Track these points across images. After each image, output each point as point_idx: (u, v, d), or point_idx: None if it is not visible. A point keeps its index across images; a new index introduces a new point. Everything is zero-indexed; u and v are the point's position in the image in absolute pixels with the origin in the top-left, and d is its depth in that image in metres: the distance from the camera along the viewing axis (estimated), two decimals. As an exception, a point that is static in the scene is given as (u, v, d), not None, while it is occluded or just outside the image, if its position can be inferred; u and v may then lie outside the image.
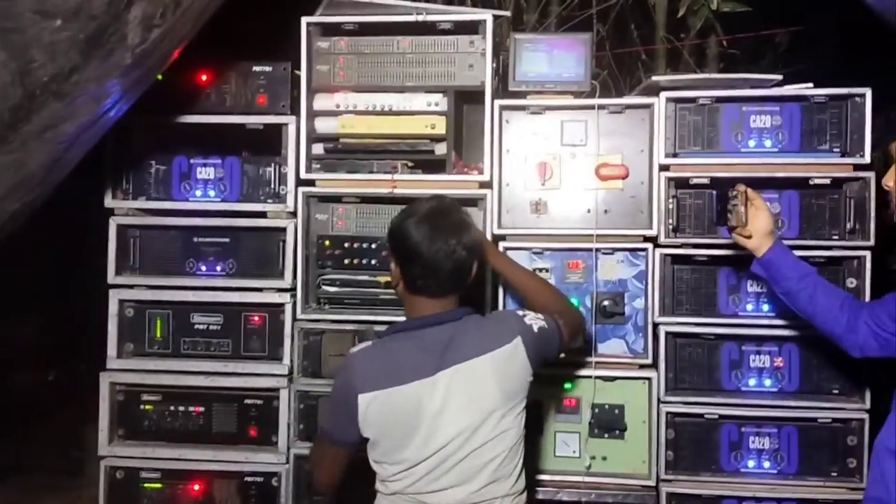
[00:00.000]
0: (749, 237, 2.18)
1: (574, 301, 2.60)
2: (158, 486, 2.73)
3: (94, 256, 3.38)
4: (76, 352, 4.56)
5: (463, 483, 1.90)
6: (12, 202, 2.24)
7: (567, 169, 2.67)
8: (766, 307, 2.62)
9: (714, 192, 1.99)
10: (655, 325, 2.62)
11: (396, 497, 1.93)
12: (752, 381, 2.64)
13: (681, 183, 2.62)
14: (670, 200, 2.60)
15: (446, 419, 1.87)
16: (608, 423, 2.62)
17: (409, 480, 1.91)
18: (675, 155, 2.62)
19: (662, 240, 2.61)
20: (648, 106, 2.63)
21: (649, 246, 2.61)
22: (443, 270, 1.92)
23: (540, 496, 2.61)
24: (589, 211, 2.65)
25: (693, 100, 2.62)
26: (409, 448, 1.89)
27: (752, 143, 2.61)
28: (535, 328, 1.98)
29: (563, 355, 2.23)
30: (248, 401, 2.74)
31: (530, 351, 1.94)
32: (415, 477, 1.90)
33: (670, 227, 2.60)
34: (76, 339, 4.43)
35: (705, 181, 2.59)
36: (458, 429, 1.87)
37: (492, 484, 1.91)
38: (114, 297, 2.77)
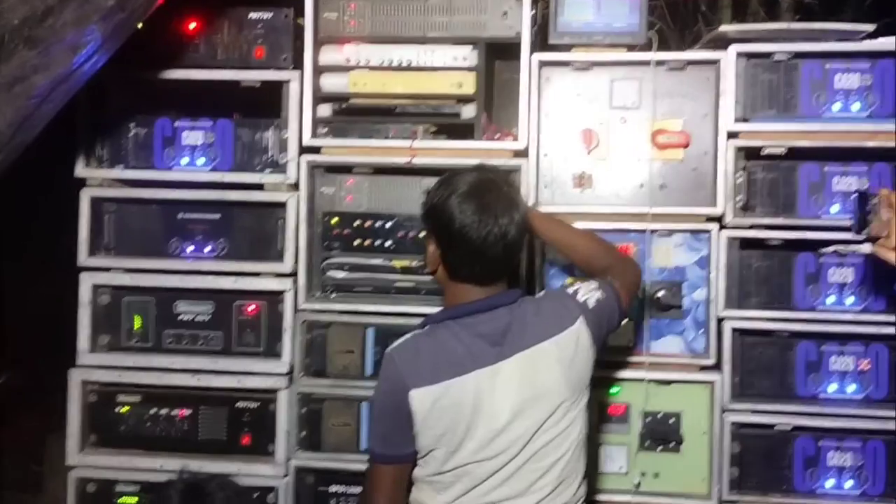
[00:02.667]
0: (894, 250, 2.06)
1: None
2: (136, 500, 2.75)
3: (60, 235, 3.41)
4: (34, 349, 4.60)
5: (525, 492, 1.93)
6: (-27, 166, 2.26)
7: (617, 136, 2.67)
8: (850, 300, 2.62)
9: (855, 193, 1.99)
10: (719, 321, 2.62)
11: None
12: (832, 388, 2.64)
13: (752, 153, 2.62)
14: (739, 174, 2.60)
15: (509, 415, 1.91)
16: (662, 434, 2.63)
17: (461, 488, 1.93)
18: (745, 120, 2.61)
19: (729, 220, 2.61)
20: (715, 62, 2.62)
21: (713, 227, 2.61)
22: (492, 255, 1.94)
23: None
24: (642, 186, 2.66)
25: (768, 55, 2.61)
26: (466, 450, 1.91)
27: (836, 106, 2.61)
28: (592, 303, 2.01)
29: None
30: (240, 404, 2.75)
31: (593, 330, 1.98)
32: (472, 483, 1.93)
33: (738, 205, 2.61)
34: (35, 334, 4.47)
35: (780, 151, 2.58)
36: (524, 425, 1.91)
37: (556, 490, 1.94)
38: (86, 282, 2.78)
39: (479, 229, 1.91)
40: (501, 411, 1.91)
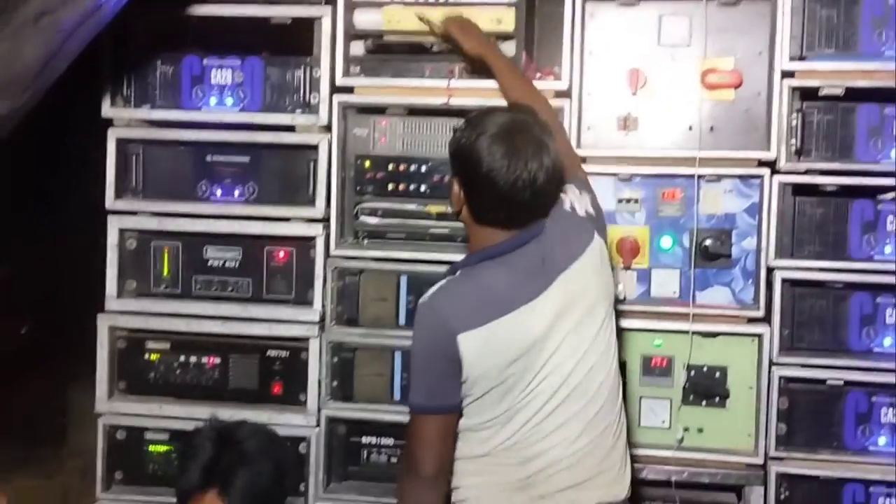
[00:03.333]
0: None
1: (669, 238, 2.64)
2: (166, 448, 2.82)
3: (80, 182, 3.44)
4: (58, 297, 4.68)
5: (573, 418, 2.00)
6: (3, 103, 2.30)
7: (664, 76, 2.68)
8: (909, 250, 2.60)
9: None
10: (770, 271, 2.62)
11: (489, 458, 2.01)
12: (887, 341, 2.63)
13: (808, 94, 2.60)
14: (794, 115, 2.58)
15: (557, 342, 1.98)
16: (706, 388, 2.64)
17: (514, 427, 1.98)
18: (801, 58, 2.59)
19: (783, 165, 2.60)
20: (770, -4, 2.58)
21: (766, 172, 2.60)
22: (519, 201, 1.97)
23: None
24: (691, 128, 2.66)
25: (828, -13, 2.57)
26: (518, 388, 1.98)
27: (899, 43, 2.56)
28: (591, 210, 2.15)
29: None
30: (271, 352, 2.80)
31: (602, 234, 2.14)
32: (525, 419, 1.98)
33: (793, 148, 2.59)
34: (58, 281, 4.55)
35: (838, 92, 2.56)
36: (571, 349, 1.99)
37: (601, 412, 2.03)
38: (113, 226, 2.83)
39: (507, 174, 1.93)
40: (549, 341, 1.97)
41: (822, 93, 2.57)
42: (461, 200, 2.04)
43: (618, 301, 2.53)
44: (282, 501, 2.10)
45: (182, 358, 2.83)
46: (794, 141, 2.58)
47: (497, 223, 2.01)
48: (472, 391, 1.99)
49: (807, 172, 2.60)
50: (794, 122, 2.58)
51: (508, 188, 1.94)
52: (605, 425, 2.05)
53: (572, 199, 2.12)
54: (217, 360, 2.82)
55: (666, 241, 2.66)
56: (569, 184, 2.15)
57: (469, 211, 2.04)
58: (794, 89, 2.58)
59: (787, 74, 2.58)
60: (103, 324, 2.83)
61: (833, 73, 2.57)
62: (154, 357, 2.85)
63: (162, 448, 2.83)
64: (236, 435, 2.05)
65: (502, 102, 2.42)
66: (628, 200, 2.66)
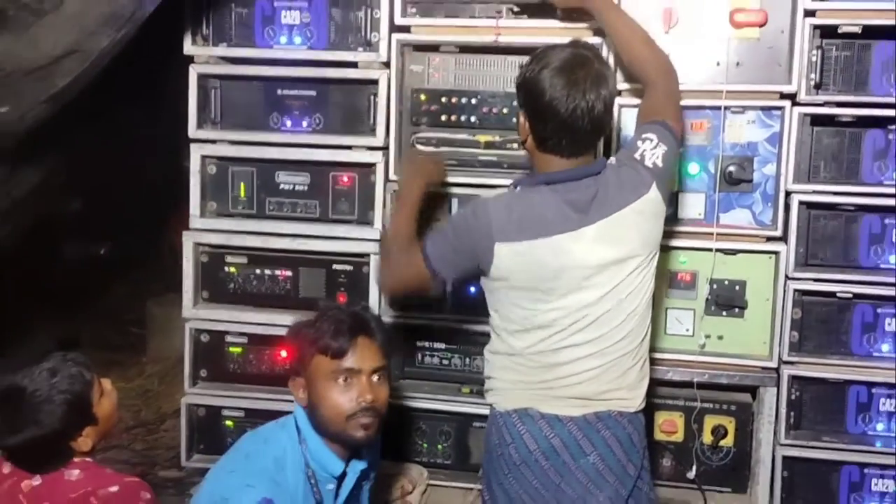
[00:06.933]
0: None
1: (696, 165, 2.68)
2: (244, 350, 2.96)
3: (157, 113, 3.53)
4: (131, 224, 4.83)
5: (598, 339, 2.07)
6: (101, 39, 2.39)
7: (695, 14, 2.65)
8: (917, 175, 2.61)
9: None
10: (787, 194, 2.64)
11: (518, 358, 2.10)
12: (893, 258, 2.66)
13: (827, 31, 2.59)
14: (814, 52, 2.58)
15: (591, 272, 2.03)
16: (727, 300, 2.69)
17: (542, 334, 2.06)
18: (822, -1, 2.57)
19: (802, 97, 2.60)
20: (796, -60, 2.56)
21: (786, 104, 2.61)
22: (579, 130, 2.01)
23: (648, 375, 2.75)
24: (718, 64, 2.65)
25: (849, -68, 2.54)
26: (548, 304, 2.04)
27: (917, -17, 2.54)
28: (660, 162, 2.11)
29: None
30: (336, 266, 2.89)
31: (663, 191, 2.11)
32: (552, 331, 2.05)
33: (812, 82, 2.59)
34: (130, 209, 4.69)
35: (856, 30, 2.55)
36: (603, 283, 2.04)
37: (624, 339, 2.08)
38: (195, 153, 2.91)
39: (567, 103, 1.98)
40: (584, 270, 2.03)
41: (841, 30, 2.55)
42: (526, 130, 2.09)
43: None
44: None
45: (257, 271, 2.94)
46: (813, 75, 2.58)
47: (559, 150, 2.06)
48: (503, 296, 2.08)
49: (824, 104, 2.61)
50: (814, 58, 2.58)
51: (568, 115, 1.99)
52: (625, 352, 2.10)
53: (646, 149, 2.12)
54: (288, 273, 2.92)
55: (693, 168, 2.69)
56: (652, 131, 2.15)
57: (534, 139, 2.09)
58: (814, 27, 2.57)
59: (808, 13, 2.57)
60: (188, 240, 2.94)
61: (851, 11, 2.55)
62: (233, 270, 2.96)
63: (240, 349, 2.96)
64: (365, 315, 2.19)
65: (548, 41, 2.40)
66: None
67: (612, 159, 2.16)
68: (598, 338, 2.07)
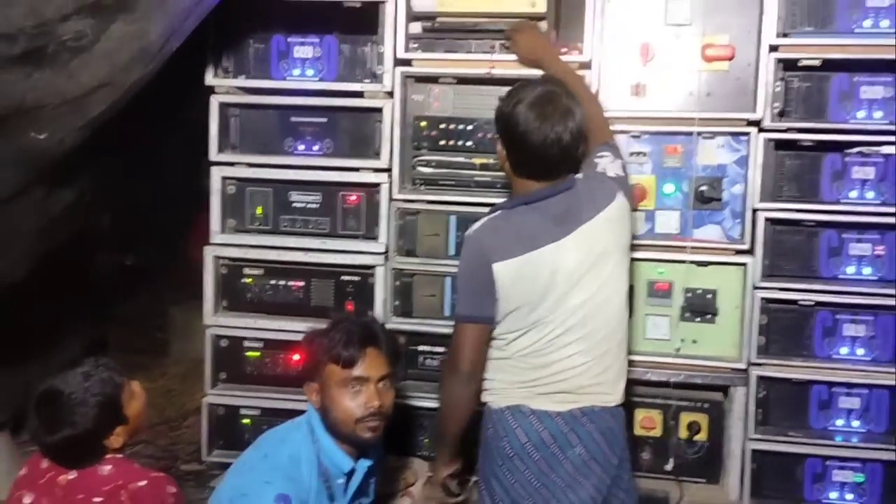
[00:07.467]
0: None
1: (672, 185, 2.83)
2: (260, 354, 3.10)
3: (179, 138, 3.68)
4: (155, 237, 5.01)
5: (585, 336, 2.21)
6: (132, 73, 2.54)
7: (670, 50, 2.81)
8: (870, 194, 2.78)
9: None
10: (754, 211, 2.79)
11: (511, 360, 2.25)
12: (850, 269, 2.81)
13: (790, 64, 2.74)
14: (778, 83, 2.73)
15: (577, 276, 2.18)
16: (700, 307, 2.83)
17: (531, 339, 2.22)
18: (785, 35, 2.73)
19: (767, 124, 2.75)
20: (760, -17, 2.72)
21: (753, 130, 2.76)
22: (550, 158, 2.19)
23: (628, 377, 2.87)
24: (691, 94, 2.80)
25: (807, -23, 2.70)
26: (543, 307, 2.19)
27: (867, 23, 2.71)
28: (620, 172, 2.29)
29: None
30: (345, 277, 3.04)
31: (627, 194, 2.29)
32: (544, 332, 2.20)
33: (776, 110, 2.74)
34: (155, 224, 4.86)
35: (816, 63, 2.70)
36: (589, 283, 2.19)
37: (607, 334, 2.23)
38: (216, 174, 3.08)
39: (538, 134, 2.15)
40: (571, 274, 2.18)
41: (802, 64, 2.71)
42: (504, 157, 2.27)
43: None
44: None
45: (273, 281, 3.08)
46: (777, 104, 2.74)
47: (532, 175, 2.23)
48: (503, 308, 2.22)
49: (787, 130, 2.75)
50: (777, 89, 2.73)
51: (540, 145, 2.15)
52: (607, 347, 2.25)
53: (606, 164, 2.30)
54: (301, 284, 3.07)
55: (669, 188, 2.84)
56: (605, 150, 2.32)
57: (511, 165, 2.26)
58: (778, 61, 2.72)
59: (772, 48, 2.72)
60: (209, 254, 3.09)
61: (811, 47, 2.71)
62: (250, 280, 3.10)
63: (257, 353, 3.11)
64: (373, 327, 2.31)
65: (538, 72, 2.60)
66: (638, 154, 2.83)
67: (580, 175, 2.30)
68: (584, 336, 2.22)
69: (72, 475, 2.16)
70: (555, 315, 2.20)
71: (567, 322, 2.20)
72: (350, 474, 2.28)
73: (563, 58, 2.80)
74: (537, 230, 2.19)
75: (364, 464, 2.30)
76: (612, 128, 2.71)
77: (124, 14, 2.34)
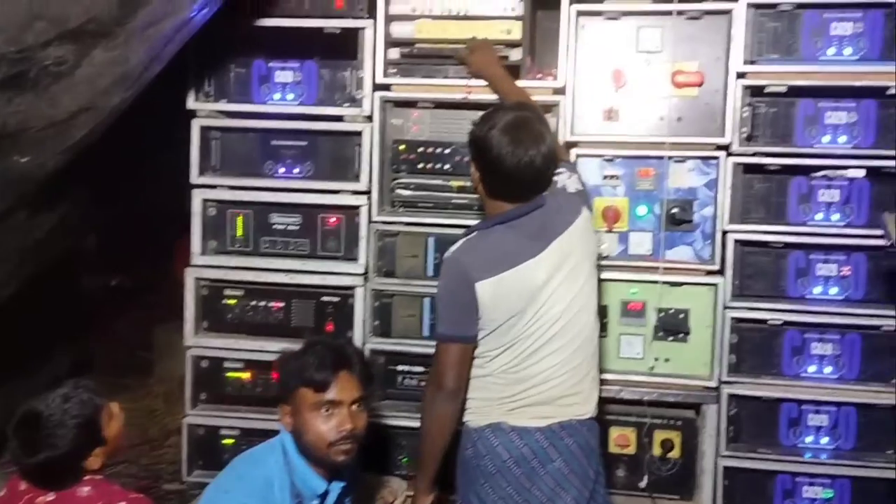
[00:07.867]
0: None
1: (644, 207, 2.88)
2: (240, 374, 3.11)
3: (160, 162, 3.70)
4: (142, 256, 5.01)
5: (560, 349, 2.25)
6: (113, 97, 2.57)
7: (641, 76, 2.86)
8: (836, 217, 2.84)
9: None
10: (724, 233, 2.84)
11: (490, 378, 2.28)
12: (817, 289, 2.87)
13: (756, 91, 2.81)
14: (745, 109, 2.79)
15: (553, 289, 2.22)
16: (672, 326, 2.87)
17: (510, 356, 2.25)
18: (752, 62, 2.79)
19: (735, 148, 2.82)
20: (727, 12, 2.80)
21: (722, 154, 2.82)
22: (523, 180, 2.23)
23: (603, 394, 2.89)
24: (661, 119, 2.86)
25: (773, 5, 2.78)
26: (523, 321, 2.23)
27: (831, 51, 2.78)
28: (579, 186, 2.38)
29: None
30: (325, 298, 3.06)
31: (589, 206, 2.38)
32: (524, 346, 2.24)
33: (744, 135, 2.81)
34: (142, 243, 4.87)
35: (782, 90, 2.78)
36: (564, 294, 2.24)
37: (581, 346, 2.27)
38: (197, 197, 3.10)
39: (512, 158, 2.19)
40: (546, 290, 2.22)
41: (768, 90, 2.78)
42: (478, 180, 2.31)
43: (602, 258, 2.78)
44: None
45: (253, 302, 3.10)
46: (745, 129, 2.80)
47: (506, 197, 2.27)
48: (485, 326, 2.25)
49: (755, 155, 2.82)
50: (745, 114, 2.79)
51: (513, 168, 2.19)
52: (581, 359, 2.29)
53: (565, 180, 2.36)
54: (281, 304, 3.08)
55: (641, 210, 2.89)
56: (561, 168, 2.38)
57: (484, 187, 2.30)
58: (745, 87, 2.79)
59: (740, 75, 2.79)
60: (190, 275, 3.11)
61: (777, 74, 2.78)
62: (231, 302, 3.11)
63: (238, 374, 3.11)
64: (346, 350, 2.28)
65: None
66: (611, 177, 2.88)
67: (546, 192, 2.34)
68: (561, 347, 2.25)
69: (49, 497, 2.13)
70: (534, 328, 2.23)
71: (546, 334, 2.24)
72: (324, 496, 2.27)
73: (538, 83, 2.87)
74: (516, 248, 2.23)
75: (338, 485, 2.30)
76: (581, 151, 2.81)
77: (105, 40, 2.37)
